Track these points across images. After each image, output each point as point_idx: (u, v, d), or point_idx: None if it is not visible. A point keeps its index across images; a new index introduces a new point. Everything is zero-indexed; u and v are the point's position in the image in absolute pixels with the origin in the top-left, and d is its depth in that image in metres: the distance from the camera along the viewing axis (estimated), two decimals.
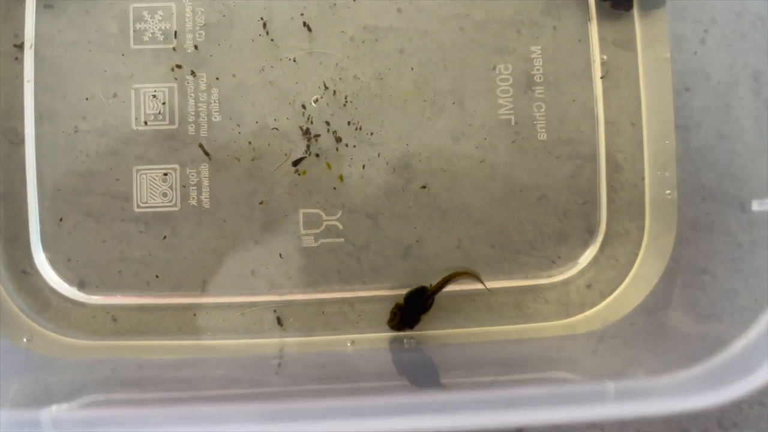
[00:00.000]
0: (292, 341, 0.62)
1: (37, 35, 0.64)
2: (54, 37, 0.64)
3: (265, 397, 0.56)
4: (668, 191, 0.63)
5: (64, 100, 0.64)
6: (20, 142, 0.63)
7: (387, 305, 0.64)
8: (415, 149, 0.64)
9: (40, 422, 0.45)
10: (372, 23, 0.64)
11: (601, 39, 0.65)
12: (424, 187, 0.64)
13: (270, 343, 0.62)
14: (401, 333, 0.62)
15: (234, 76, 0.64)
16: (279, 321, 0.63)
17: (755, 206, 0.56)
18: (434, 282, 0.63)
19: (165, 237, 0.63)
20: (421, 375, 0.58)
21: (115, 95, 0.64)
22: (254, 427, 0.44)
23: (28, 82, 0.63)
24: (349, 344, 0.62)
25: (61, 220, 0.63)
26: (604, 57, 0.64)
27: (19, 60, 0.64)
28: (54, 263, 0.63)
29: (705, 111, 0.65)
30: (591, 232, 0.65)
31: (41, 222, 0.63)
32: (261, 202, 0.64)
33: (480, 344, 0.62)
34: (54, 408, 0.48)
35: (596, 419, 0.56)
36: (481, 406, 0.46)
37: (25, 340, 0.61)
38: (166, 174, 0.63)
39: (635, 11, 0.64)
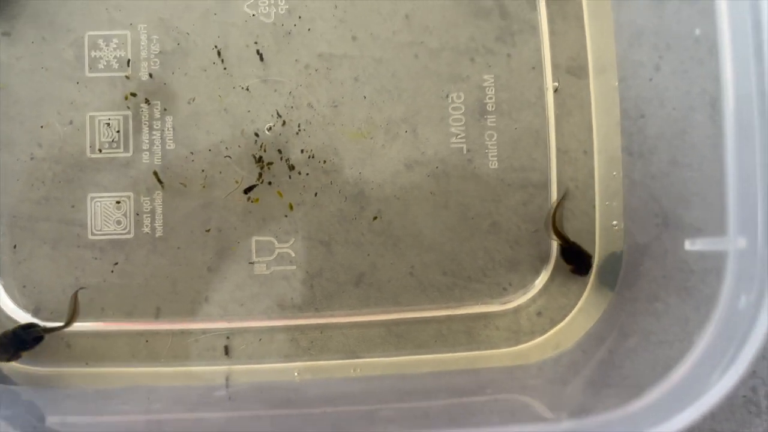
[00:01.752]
0: (241, 369, 0.63)
1: None
2: (12, 64, 0.64)
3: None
4: (614, 222, 0.63)
5: (21, 128, 0.64)
6: None
7: (340, 332, 0.64)
8: (369, 177, 0.64)
9: None
10: (326, 51, 0.65)
11: (554, 66, 0.65)
12: (376, 218, 0.64)
13: (221, 370, 0.63)
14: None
15: (188, 103, 0.64)
16: (226, 350, 0.63)
17: (687, 246, 0.56)
18: None
19: (116, 263, 0.64)
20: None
21: (70, 123, 0.64)
22: None
23: None
24: (296, 374, 0.62)
25: (15, 247, 0.63)
26: (556, 84, 0.65)
27: None
28: (8, 290, 0.64)
29: (660, 137, 0.65)
30: (542, 260, 0.65)
31: None
32: (208, 230, 0.64)
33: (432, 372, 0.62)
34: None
35: None
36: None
37: None
38: (119, 202, 0.64)
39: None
